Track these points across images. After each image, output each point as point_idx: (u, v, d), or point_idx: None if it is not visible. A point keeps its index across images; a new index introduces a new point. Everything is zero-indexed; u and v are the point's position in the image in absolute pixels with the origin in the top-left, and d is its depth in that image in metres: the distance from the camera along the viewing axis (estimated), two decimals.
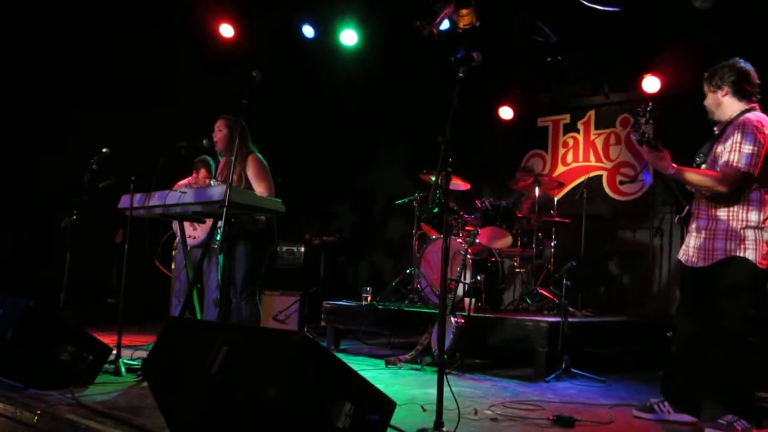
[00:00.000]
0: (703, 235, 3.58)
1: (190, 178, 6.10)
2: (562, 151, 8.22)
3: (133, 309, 4.91)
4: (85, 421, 3.09)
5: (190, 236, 5.62)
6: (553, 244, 6.76)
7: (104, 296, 7.18)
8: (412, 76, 8.23)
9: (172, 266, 6.44)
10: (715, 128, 3.72)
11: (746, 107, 3.59)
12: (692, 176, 3.56)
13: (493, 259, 6.44)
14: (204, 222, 5.41)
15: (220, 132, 4.82)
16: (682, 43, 6.31)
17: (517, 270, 6.79)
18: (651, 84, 7.07)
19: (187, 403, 2.76)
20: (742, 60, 3.65)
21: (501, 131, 8.44)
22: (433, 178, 6.83)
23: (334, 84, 8.44)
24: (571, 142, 8.17)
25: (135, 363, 4.51)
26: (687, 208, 3.76)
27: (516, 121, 8.42)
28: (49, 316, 3.83)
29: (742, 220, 3.48)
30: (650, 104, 3.60)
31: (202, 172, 6.01)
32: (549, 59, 7.59)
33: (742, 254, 3.46)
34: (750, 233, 3.47)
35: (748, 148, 3.43)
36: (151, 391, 3.00)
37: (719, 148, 3.57)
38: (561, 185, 7.41)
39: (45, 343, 3.75)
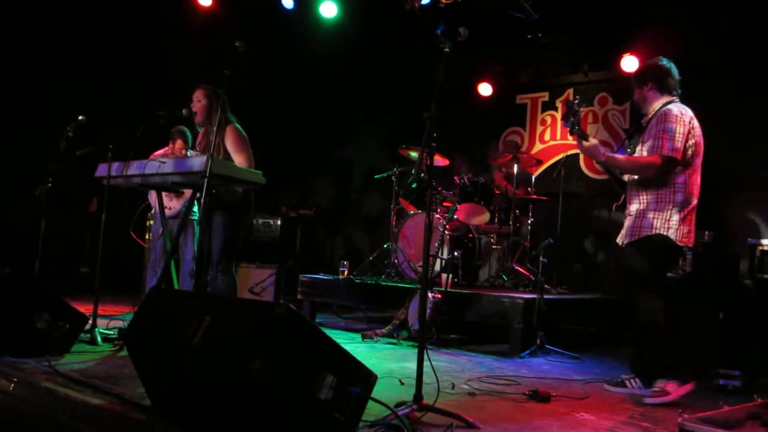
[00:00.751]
0: (634, 216, 3.85)
1: (166, 148, 6.03)
2: (540, 128, 8.26)
3: (108, 279, 4.88)
4: (63, 389, 3.08)
5: (166, 207, 5.58)
6: (529, 221, 6.82)
7: (78, 265, 7.10)
8: (391, 50, 8.17)
9: (147, 237, 6.41)
10: (642, 121, 4.01)
11: (668, 100, 3.90)
12: (622, 162, 3.90)
13: (470, 235, 6.48)
14: (182, 193, 5.37)
15: (199, 102, 4.75)
16: (661, 23, 6.34)
17: (494, 246, 6.83)
18: (630, 63, 7.10)
19: (168, 373, 2.76)
20: (664, 59, 3.99)
21: (480, 108, 8.44)
22: (412, 154, 6.85)
23: (314, 57, 8.36)
24: (549, 120, 8.21)
25: (111, 333, 4.51)
26: (623, 196, 4.03)
27: (495, 97, 8.43)
28: (26, 283, 3.79)
29: (669, 202, 3.76)
30: (578, 97, 3.97)
31: (179, 142, 5.94)
32: (529, 36, 7.59)
33: (664, 232, 3.74)
34: (675, 214, 3.74)
35: (669, 135, 3.72)
36: (131, 360, 2.99)
37: (645, 137, 3.86)
38: (539, 163, 7.46)
39: (21, 311, 3.72)
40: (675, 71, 3.96)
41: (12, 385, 3.20)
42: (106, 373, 3.48)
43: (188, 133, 5.92)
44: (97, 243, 4.64)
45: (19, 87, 7.07)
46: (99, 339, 4.31)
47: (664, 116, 3.80)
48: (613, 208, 4.15)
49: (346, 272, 6.44)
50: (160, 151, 5.98)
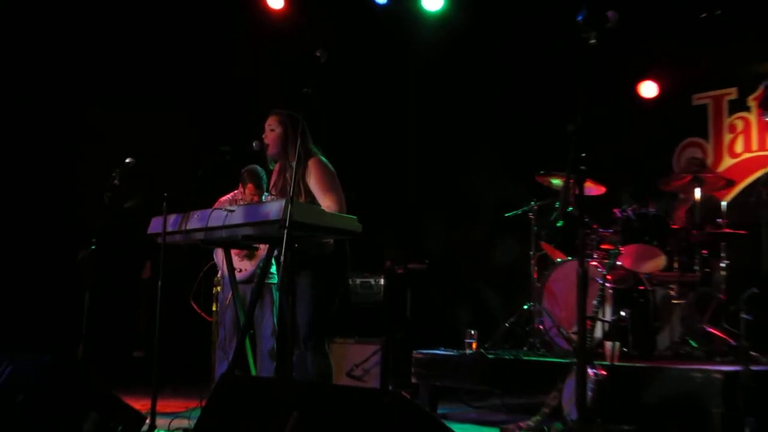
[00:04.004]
0: None
1: (235, 192, 6.25)
2: (728, 137, 8.07)
3: (168, 365, 5.01)
4: None
5: (236, 269, 5.73)
6: (723, 264, 6.56)
7: (130, 348, 7.38)
8: (517, 47, 8.20)
9: (214, 309, 6.54)
10: None
11: None
12: None
13: (640, 287, 6.32)
14: (257, 250, 5.48)
15: (272, 132, 4.83)
16: None
17: (675, 301, 6.61)
18: None
19: None
20: None
21: (642, 114, 8.32)
22: (555, 182, 6.78)
23: (415, 63, 8.49)
24: (740, 125, 8.00)
25: None
26: None
27: (662, 99, 8.31)
28: (69, 374, 3.94)
29: None
30: None
31: (250, 186, 6.13)
32: (704, 15, 7.44)
33: None
34: None
35: None
36: None
37: None
38: (731, 184, 7.23)
39: (64, 410, 3.85)
40: None
41: None
42: None
43: (262, 173, 6.10)
44: (153, 318, 4.77)
45: (50, 123, 7.50)
46: None
47: None
48: None
49: (474, 345, 6.38)
50: (228, 197, 6.18)
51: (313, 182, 4.67)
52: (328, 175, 4.71)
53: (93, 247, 5.10)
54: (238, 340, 4.80)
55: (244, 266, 5.98)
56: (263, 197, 5.97)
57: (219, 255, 6.00)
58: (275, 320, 5.97)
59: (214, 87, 8.08)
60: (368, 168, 8.32)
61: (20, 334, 6.04)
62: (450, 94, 8.94)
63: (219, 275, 6.34)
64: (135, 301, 7.27)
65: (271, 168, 5.06)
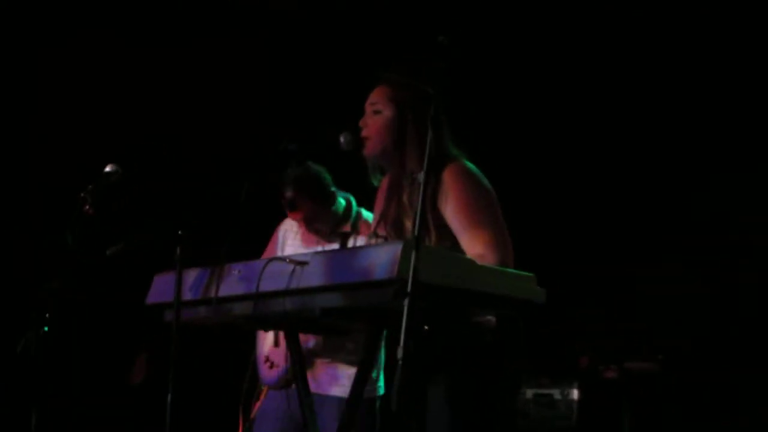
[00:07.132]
0: None
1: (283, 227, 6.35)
2: None
3: None
4: None
5: (276, 363, 5.99)
6: None
7: None
8: None
9: None
10: None
11: None
12: None
13: None
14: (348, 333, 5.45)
15: (376, 115, 4.73)
16: None
17: None
18: None
19: None
20: None
21: None
22: None
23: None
24: None
25: None
26: None
27: None
28: None
29: None
30: None
31: (295, 212, 6.15)
32: None
33: None
34: None
35: None
36: None
37: None
38: None
39: None
40: None
41: None
42: None
43: (324, 175, 6.09)
44: None
45: None
46: None
47: None
48: None
49: None
50: (282, 228, 6.34)
51: (451, 208, 4.51)
52: (479, 196, 4.57)
53: (45, 328, 4.99)
54: None
55: (274, 358, 6.10)
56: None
57: (266, 345, 6.16)
58: None
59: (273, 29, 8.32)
60: (543, 183, 8.63)
61: None
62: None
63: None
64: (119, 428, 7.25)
65: (375, 183, 4.98)
